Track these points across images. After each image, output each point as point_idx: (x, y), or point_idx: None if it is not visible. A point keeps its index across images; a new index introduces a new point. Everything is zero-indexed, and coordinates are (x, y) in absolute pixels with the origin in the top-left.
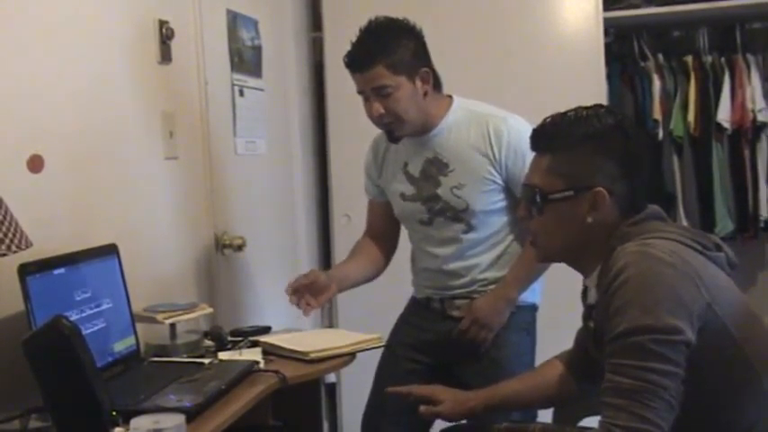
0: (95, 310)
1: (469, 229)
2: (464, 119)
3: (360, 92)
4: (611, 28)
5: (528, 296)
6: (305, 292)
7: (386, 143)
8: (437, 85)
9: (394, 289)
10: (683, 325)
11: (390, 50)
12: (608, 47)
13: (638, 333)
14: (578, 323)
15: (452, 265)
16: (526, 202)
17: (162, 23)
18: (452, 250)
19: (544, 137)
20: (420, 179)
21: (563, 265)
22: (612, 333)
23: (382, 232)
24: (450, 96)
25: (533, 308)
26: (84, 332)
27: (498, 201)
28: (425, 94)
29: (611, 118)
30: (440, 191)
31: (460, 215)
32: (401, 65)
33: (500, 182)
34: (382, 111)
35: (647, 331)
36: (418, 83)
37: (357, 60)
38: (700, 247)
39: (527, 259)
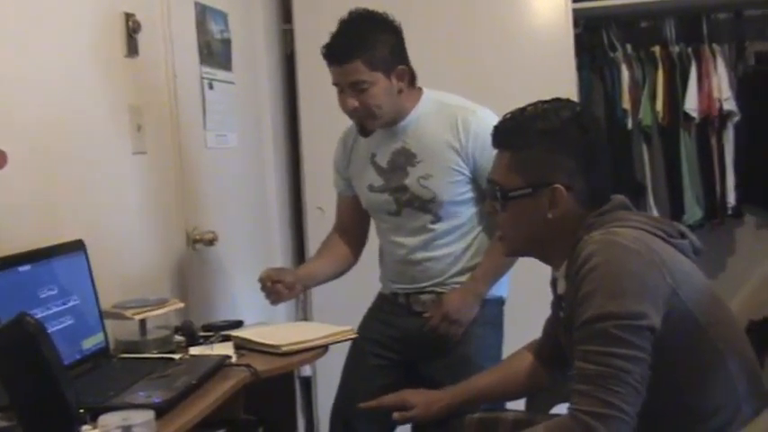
0: (62, 307)
1: (437, 219)
2: (433, 110)
3: (335, 83)
4: (580, 19)
5: (495, 289)
6: (275, 283)
7: (354, 135)
8: (412, 81)
9: (369, 282)
10: (648, 311)
11: (370, 46)
12: (578, 38)
13: (602, 319)
14: (545, 315)
15: (420, 256)
16: (490, 198)
17: (128, 16)
18: (420, 240)
19: (504, 134)
20: (388, 170)
21: (529, 258)
22: (579, 320)
23: (351, 227)
24: (420, 88)
25: (500, 301)
26: (51, 330)
27: (466, 192)
28: (400, 91)
29: (568, 112)
30: (407, 181)
31: (428, 206)
32: (379, 61)
33: (467, 173)
34: (356, 105)
35: (612, 317)
36: (394, 80)
37: (335, 53)
38: (664, 235)
39: (495, 253)
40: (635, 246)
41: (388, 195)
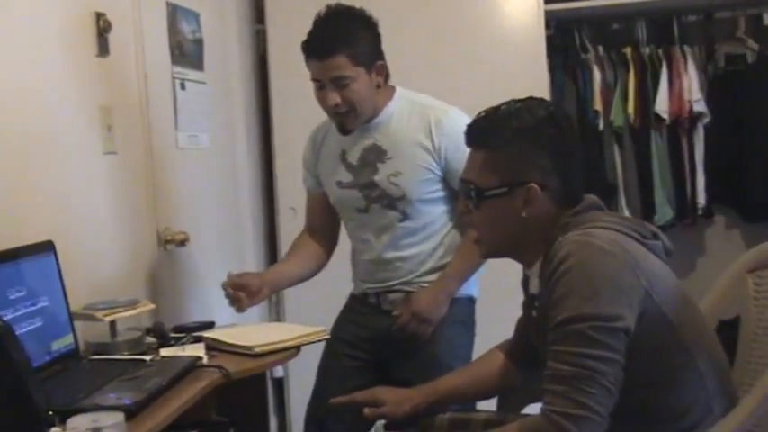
0: (31, 308)
1: (405, 217)
2: (406, 109)
3: (315, 80)
4: (552, 21)
5: (465, 288)
6: (238, 290)
7: (324, 132)
8: (387, 78)
9: (342, 283)
10: (623, 312)
11: (352, 41)
12: (550, 39)
13: (578, 321)
14: (516, 314)
15: (389, 255)
16: (463, 198)
17: (99, 16)
18: (388, 238)
19: (478, 133)
20: (358, 166)
21: (499, 259)
22: (554, 321)
23: (321, 225)
24: (392, 86)
25: (471, 300)
26: (20, 331)
27: (436, 191)
28: (378, 86)
29: (542, 110)
30: (377, 178)
31: (396, 203)
32: (361, 56)
33: (438, 172)
34: (338, 101)
35: (587, 319)
36: (374, 75)
37: (318, 47)
38: (638, 236)
39: (466, 252)
40: (610, 247)
41: (357, 192)
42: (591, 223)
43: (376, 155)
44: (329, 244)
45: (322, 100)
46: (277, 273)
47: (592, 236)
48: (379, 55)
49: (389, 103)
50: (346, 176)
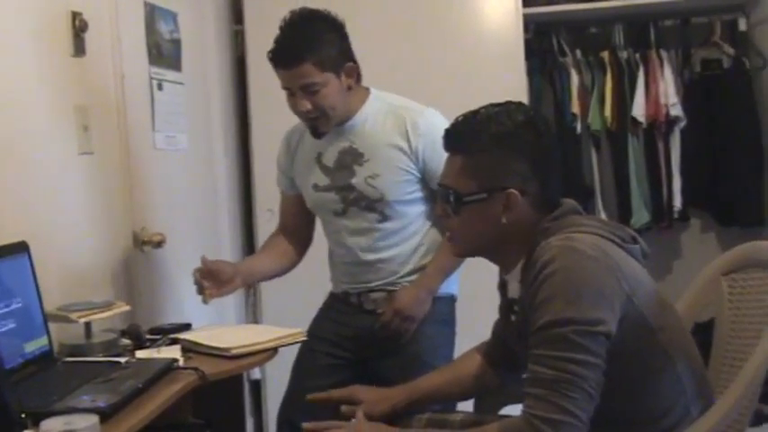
0: (5, 310)
1: (384, 218)
2: (381, 110)
3: (285, 87)
4: (531, 24)
5: (446, 287)
6: (207, 280)
7: (299, 134)
8: (358, 79)
9: (319, 284)
10: (605, 317)
11: (317, 47)
12: (528, 42)
13: (560, 325)
14: (495, 314)
15: (369, 257)
16: (441, 202)
17: (75, 15)
18: (367, 240)
19: (456, 137)
20: (334, 169)
21: (479, 258)
22: (536, 325)
23: (294, 226)
24: (366, 88)
25: (452, 299)
26: None
27: (414, 191)
28: (349, 87)
29: (521, 115)
30: (354, 180)
31: (374, 205)
32: (328, 61)
33: (416, 173)
34: (309, 107)
35: (570, 323)
36: (344, 77)
37: (283, 57)
38: (618, 240)
39: (447, 250)
40: (593, 252)
41: (334, 194)
42: (573, 228)
43: (353, 157)
44: (302, 244)
45: (293, 106)
46: (250, 265)
47: (574, 240)
48: (348, 57)
49: (364, 104)
50: (322, 179)
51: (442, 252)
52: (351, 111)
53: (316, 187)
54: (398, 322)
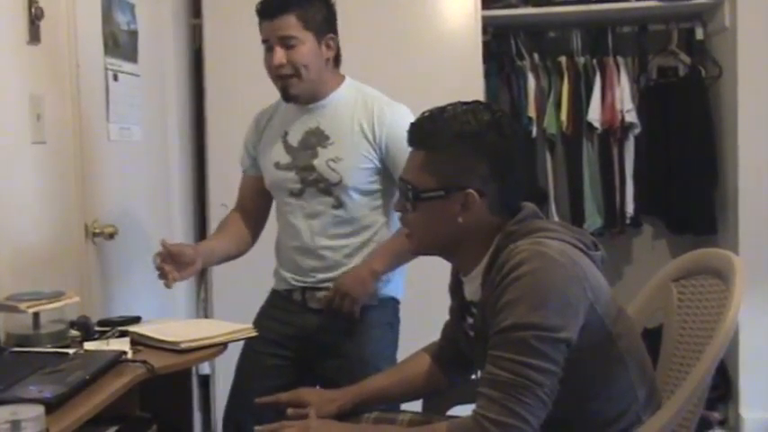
0: None
1: (339, 204)
2: (352, 97)
3: (264, 40)
4: (489, 27)
5: (389, 290)
6: (168, 263)
7: (270, 115)
8: (337, 61)
9: (271, 280)
10: (568, 324)
11: (305, 4)
12: (486, 45)
13: (522, 329)
14: (442, 316)
15: (317, 242)
16: (401, 197)
17: (31, 2)
18: (318, 224)
19: (420, 133)
20: (298, 148)
21: (425, 259)
22: (499, 326)
23: (252, 208)
24: (342, 75)
25: (395, 302)
26: None
27: (373, 182)
28: (327, 60)
29: (487, 115)
30: (316, 162)
31: (331, 188)
32: (312, 22)
33: (377, 163)
34: (284, 61)
35: (532, 328)
36: (323, 47)
37: (270, 6)
38: (583, 247)
39: (399, 238)
40: (562, 259)
41: (293, 174)
42: (540, 233)
43: (317, 138)
44: (257, 227)
45: (268, 61)
46: (209, 247)
47: (544, 246)
48: (332, 29)
49: (338, 89)
50: (284, 158)
51: (393, 240)
52: (323, 91)
53: (277, 165)
54: (339, 301)
